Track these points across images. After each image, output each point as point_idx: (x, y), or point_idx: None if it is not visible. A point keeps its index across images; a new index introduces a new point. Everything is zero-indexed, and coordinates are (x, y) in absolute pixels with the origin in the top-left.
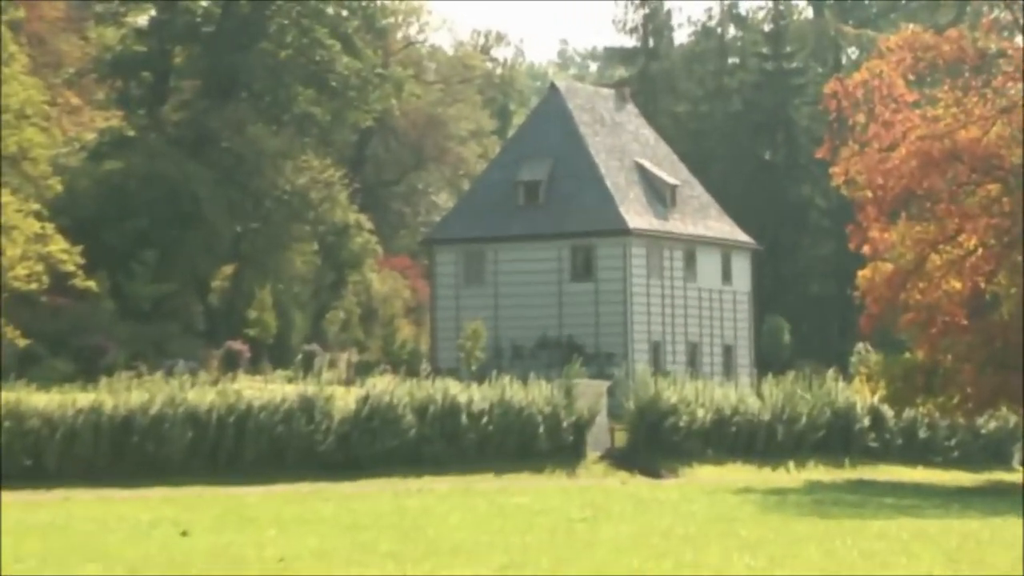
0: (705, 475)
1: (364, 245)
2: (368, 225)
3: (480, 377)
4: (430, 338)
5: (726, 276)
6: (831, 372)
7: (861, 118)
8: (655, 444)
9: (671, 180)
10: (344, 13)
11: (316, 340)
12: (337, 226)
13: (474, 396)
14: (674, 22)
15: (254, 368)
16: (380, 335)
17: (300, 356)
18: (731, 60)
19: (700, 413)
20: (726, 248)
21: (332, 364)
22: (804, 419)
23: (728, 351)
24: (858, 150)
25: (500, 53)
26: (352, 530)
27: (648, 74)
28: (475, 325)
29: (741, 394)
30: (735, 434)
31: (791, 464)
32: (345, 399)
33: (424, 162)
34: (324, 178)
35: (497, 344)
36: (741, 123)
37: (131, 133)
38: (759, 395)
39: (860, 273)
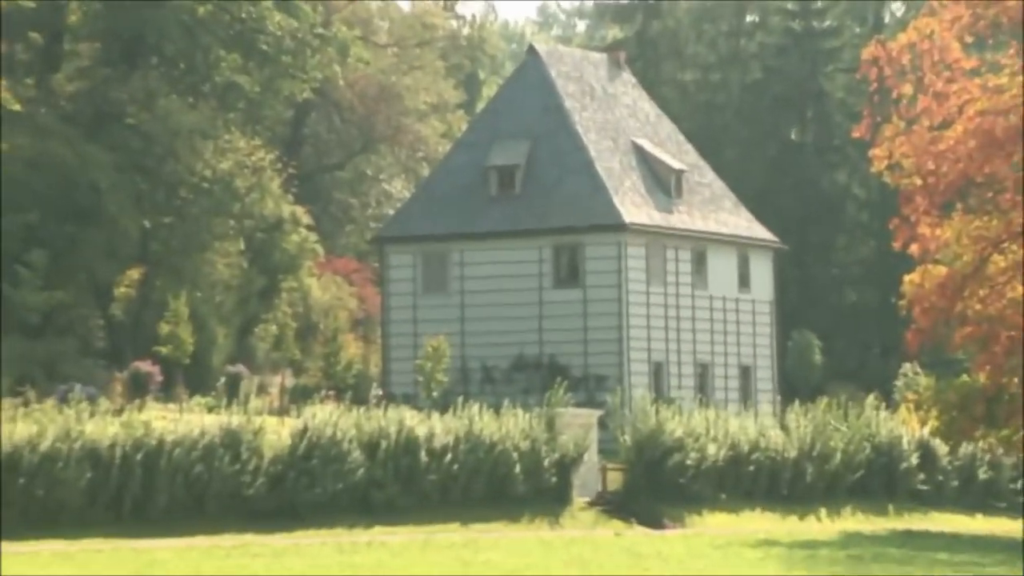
0: (717, 524)
1: (301, 244)
2: (306, 220)
3: (443, 405)
4: (381, 358)
5: (743, 282)
6: (871, 399)
7: (908, 89)
8: (656, 487)
9: (676, 165)
10: None
11: (242, 360)
12: (268, 221)
13: (435, 429)
14: None
15: (166, 395)
16: (320, 354)
17: (223, 380)
18: (749, 18)
19: (711, 449)
20: (743, 247)
21: (262, 390)
22: (838, 456)
23: (746, 373)
24: (904, 128)
25: (467, 9)
26: None
27: (648, 35)
28: (436, 342)
29: (762, 426)
30: (754, 475)
31: (823, 511)
32: (278, 433)
33: (374, 143)
34: (252, 162)
35: (464, 365)
36: (761, 95)
37: (16, 107)
38: (783, 427)
39: (907, 278)
